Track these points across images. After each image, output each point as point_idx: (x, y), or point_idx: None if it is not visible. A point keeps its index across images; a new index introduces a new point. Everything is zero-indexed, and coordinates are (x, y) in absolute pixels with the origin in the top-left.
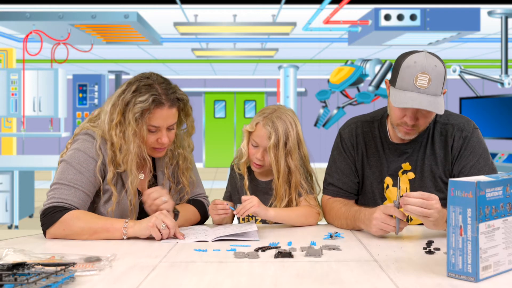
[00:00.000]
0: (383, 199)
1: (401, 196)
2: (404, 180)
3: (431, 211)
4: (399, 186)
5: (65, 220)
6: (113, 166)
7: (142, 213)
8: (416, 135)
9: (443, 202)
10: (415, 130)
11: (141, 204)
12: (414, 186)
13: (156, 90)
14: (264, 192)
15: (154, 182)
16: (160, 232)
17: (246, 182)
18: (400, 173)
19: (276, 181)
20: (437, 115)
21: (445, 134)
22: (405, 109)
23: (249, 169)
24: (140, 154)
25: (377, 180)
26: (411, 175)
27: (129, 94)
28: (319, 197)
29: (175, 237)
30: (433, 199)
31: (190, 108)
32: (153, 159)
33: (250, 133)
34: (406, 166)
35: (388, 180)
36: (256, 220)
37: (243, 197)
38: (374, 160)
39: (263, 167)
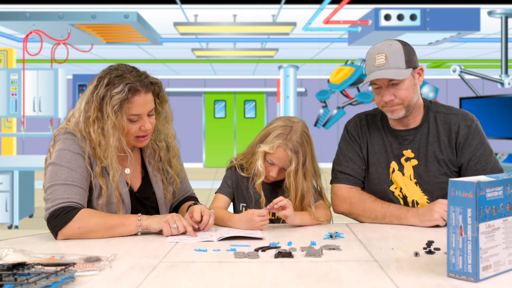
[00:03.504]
0: (389, 184)
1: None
2: (408, 167)
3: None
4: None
5: (80, 218)
6: (97, 160)
7: (135, 209)
8: (405, 112)
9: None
10: (400, 106)
11: (134, 200)
12: (418, 171)
13: (128, 79)
14: (269, 191)
15: (145, 174)
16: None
17: (264, 199)
18: (403, 160)
19: (293, 202)
20: (438, 107)
21: (448, 123)
22: (379, 90)
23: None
24: (121, 148)
25: (382, 166)
26: (414, 161)
27: (102, 88)
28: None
29: (184, 233)
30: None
31: (165, 94)
32: (141, 155)
33: (266, 152)
34: (408, 153)
35: (394, 165)
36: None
37: (278, 199)
38: (379, 147)
39: (273, 181)
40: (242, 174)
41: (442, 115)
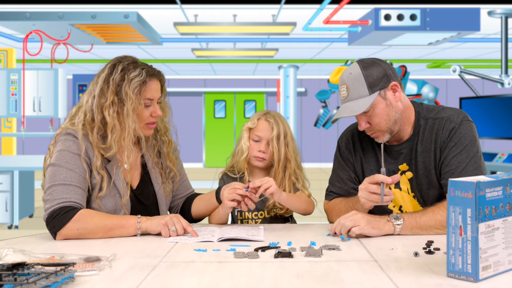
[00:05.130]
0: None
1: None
2: (404, 180)
3: (356, 218)
4: (382, 155)
5: (79, 219)
6: (100, 152)
7: (133, 208)
8: (388, 135)
9: (441, 199)
10: (377, 133)
11: (133, 199)
12: (413, 185)
13: (141, 65)
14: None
15: (144, 172)
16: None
17: (247, 177)
18: (399, 174)
19: (276, 168)
20: (429, 111)
21: (436, 128)
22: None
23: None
24: (134, 132)
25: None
26: (409, 174)
27: (117, 74)
28: (320, 202)
29: (185, 233)
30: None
31: (165, 87)
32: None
33: (250, 130)
34: (403, 167)
35: None
36: (256, 222)
37: (260, 179)
38: (374, 164)
39: (265, 161)
40: (233, 176)
41: (430, 121)
